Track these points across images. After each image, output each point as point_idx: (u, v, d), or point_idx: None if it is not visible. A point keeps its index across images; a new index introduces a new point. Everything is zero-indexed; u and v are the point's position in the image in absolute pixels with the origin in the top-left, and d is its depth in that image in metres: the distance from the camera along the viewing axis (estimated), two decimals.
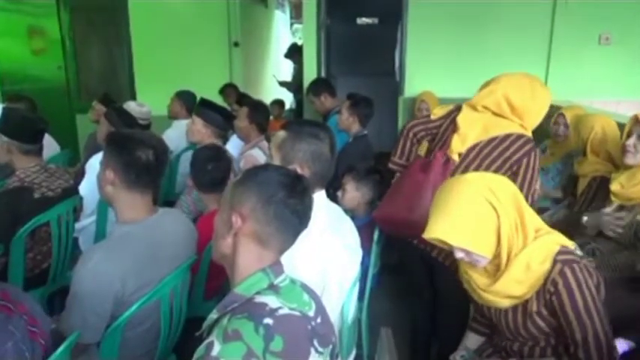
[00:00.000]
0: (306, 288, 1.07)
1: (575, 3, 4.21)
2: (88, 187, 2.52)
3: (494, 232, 1.30)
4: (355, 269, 1.61)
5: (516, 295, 1.33)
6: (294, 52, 5.89)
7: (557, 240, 1.33)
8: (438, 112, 2.07)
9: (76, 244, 2.52)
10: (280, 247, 1.05)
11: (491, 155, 1.86)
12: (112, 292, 1.41)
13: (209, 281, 2.04)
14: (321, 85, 3.80)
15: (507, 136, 1.86)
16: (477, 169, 1.84)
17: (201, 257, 1.87)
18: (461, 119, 1.90)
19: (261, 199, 1.00)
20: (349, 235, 1.63)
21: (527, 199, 1.72)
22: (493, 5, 4.30)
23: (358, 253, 1.64)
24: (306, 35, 4.53)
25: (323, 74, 4.54)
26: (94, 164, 2.61)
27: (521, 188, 1.81)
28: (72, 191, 2.34)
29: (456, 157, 1.87)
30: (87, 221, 2.61)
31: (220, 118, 2.72)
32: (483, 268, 1.36)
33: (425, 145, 2.10)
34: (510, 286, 1.32)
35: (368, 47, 4.68)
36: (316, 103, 3.76)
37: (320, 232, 1.43)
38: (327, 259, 1.46)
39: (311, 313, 1.02)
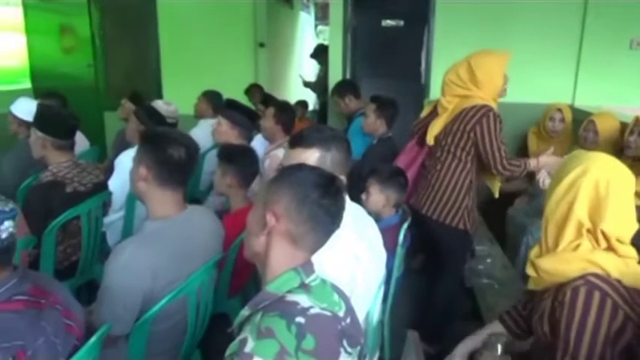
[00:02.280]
0: (336, 288, 1.08)
1: (607, 7, 4.12)
2: (116, 183, 2.57)
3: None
4: (381, 272, 1.61)
5: (543, 278, 1.33)
6: (320, 53, 5.90)
7: (613, 265, 1.25)
8: (426, 110, 2.51)
9: (104, 238, 2.58)
10: (312, 247, 1.05)
11: (452, 130, 2.19)
12: (142, 286, 1.43)
13: (233, 279, 2.07)
14: (346, 87, 3.80)
15: (464, 110, 2.16)
16: (446, 144, 2.22)
17: (227, 255, 1.89)
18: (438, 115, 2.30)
19: (295, 198, 1.01)
20: (374, 237, 1.63)
21: (492, 165, 2.16)
22: (522, 8, 4.23)
23: (383, 255, 1.64)
24: (333, 36, 4.54)
25: (348, 76, 4.55)
26: (123, 161, 2.67)
27: (485, 154, 2.15)
28: (102, 186, 2.39)
29: (430, 141, 2.29)
30: (115, 216, 2.66)
31: (246, 119, 2.75)
32: (545, 239, 1.36)
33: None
34: (546, 264, 1.32)
35: (393, 49, 4.66)
36: (341, 105, 3.76)
37: (346, 234, 1.43)
38: (353, 261, 1.46)
39: (341, 314, 1.02)
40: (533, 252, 1.40)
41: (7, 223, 1.08)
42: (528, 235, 2.89)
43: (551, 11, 4.21)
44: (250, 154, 2.32)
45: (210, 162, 3.13)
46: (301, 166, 1.10)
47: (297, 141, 1.46)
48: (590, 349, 1.20)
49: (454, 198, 2.26)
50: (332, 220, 1.04)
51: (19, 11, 5.49)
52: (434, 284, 2.47)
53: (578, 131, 3.19)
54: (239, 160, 2.21)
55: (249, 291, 2.39)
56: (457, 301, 2.56)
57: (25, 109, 2.89)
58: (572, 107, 3.73)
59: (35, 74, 5.63)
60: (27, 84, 5.59)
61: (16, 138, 2.99)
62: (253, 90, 4.65)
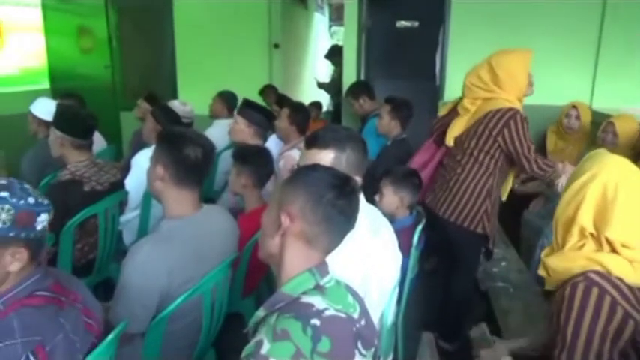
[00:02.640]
0: (350, 289, 1.08)
1: (625, 7, 4.05)
2: (133, 183, 2.60)
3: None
4: (395, 273, 1.60)
5: (553, 278, 1.35)
6: (335, 54, 5.90)
7: (615, 264, 1.26)
8: (445, 108, 2.47)
9: (120, 237, 2.61)
10: (327, 248, 1.05)
11: (476, 134, 2.16)
12: (158, 285, 1.45)
13: (247, 279, 2.08)
14: (360, 88, 3.79)
15: (489, 113, 2.12)
16: (468, 147, 2.19)
17: (241, 255, 1.90)
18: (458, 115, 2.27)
19: (310, 199, 1.01)
20: (388, 238, 1.62)
21: (528, 167, 2.14)
22: (539, 8, 4.18)
23: (398, 257, 1.63)
24: (347, 37, 4.53)
25: (362, 77, 4.54)
26: (139, 160, 2.70)
27: (517, 157, 2.13)
28: (119, 186, 2.42)
29: (450, 142, 2.26)
30: (131, 215, 2.69)
31: (262, 118, 2.77)
32: (555, 239, 1.39)
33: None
34: (553, 262, 1.35)
35: (407, 50, 4.65)
36: (355, 106, 3.76)
37: (360, 235, 1.43)
38: (367, 262, 1.46)
39: (356, 315, 1.02)
40: (545, 252, 1.45)
41: (44, 216, 1.10)
42: (543, 238, 2.86)
43: (569, 12, 4.16)
44: (265, 154, 2.33)
45: (225, 162, 3.16)
46: (316, 167, 1.10)
47: (313, 141, 1.46)
48: (587, 345, 1.21)
49: (473, 201, 2.23)
50: (347, 220, 1.04)
51: (38, 12, 5.58)
52: (448, 285, 2.47)
53: (596, 133, 3.15)
54: (254, 160, 2.22)
55: (263, 291, 2.41)
56: (472, 300, 2.57)
57: (45, 109, 2.94)
58: (589, 109, 3.68)
59: (54, 74, 5.72)
60: (45, 84, 5.68)
61: (35, 137, 3.04)
62: (268, 91, 4.67)
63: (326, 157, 1.42)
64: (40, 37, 5.63)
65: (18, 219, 1.06)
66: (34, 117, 3.00)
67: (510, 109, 2.11)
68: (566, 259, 1.32)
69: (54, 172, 2.45)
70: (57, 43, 5.69)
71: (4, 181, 1.10)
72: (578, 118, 3.46)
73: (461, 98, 2.33)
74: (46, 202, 1.12)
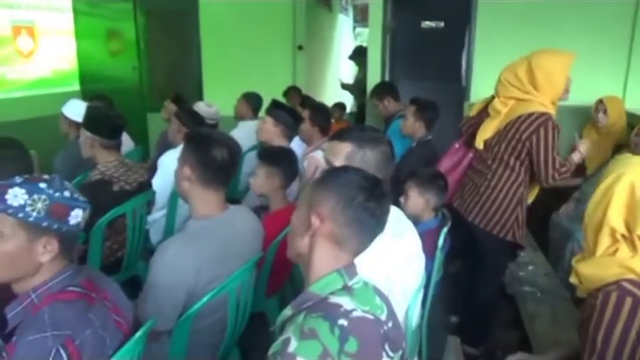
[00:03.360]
0: (377, 291, 1.07)
1: None
2: (159, 183, 2.65)
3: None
4: (419, 275, 1.59)
5: (584, 285, 1.33)
6: (359, 54, 5.88)
7: None
8: (475, 108, 2.42)
9: (147, 236, 2.66)
10: (356, 250, 1.05)
11: (506, 137, 2.10)
12: (185, 283, 1.47)
13: (271, 279, 2.09)
14: (384, 89, 3.78)
15: (520, 116, 2.06)
16: (499, 151, 2.14)
17: (266, 255, 1.91)
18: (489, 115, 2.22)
19: (341, 200, 1.01)
20: (412, 240, 1.61)
21: (543, 177, 2.08)
22: (568, 6, 4.08)
23: (421, 259, 1.62)
24: (372, 38, 4.52)
25: (387, 78, 4.52)
26: (165, 161, 2.74)
27: (537, 165, 2.06)
28: (146, 185, 2.47)
29: (480, 145, 2.20)
30: (158, 214, 2.74)
31: (290, 119, 2.80)
32: (586, 245, 1.36)
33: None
34: (585, 269, 1.32)
35: (432, 51, 4.61)
36: (379, 107, 3.74)
37: (384, 236, 1.42)
38: (391, 264, 1.45)
39: (383, 317, 1.02)
40: (576, 258, 1.42)
41: (78, 212, 1.13)
42: (573, 242, 2.80)
43: (600, 11, 4.05)
44: (290, 155, 2.34)
45: (250, 163, 3.18)
46: (347, 168, 1.11)
47: (336, 134, 1.52)
48: (617, 354, 1.20)
49: (504, 209, 2.18)
50: (377, 223, 1.04)
51: (69, 17, 5.74)
52: (473, 288, 2.44)
53: (629, 135, 3.08)
54: (280, 161, 2.24)
55: (286, 291, 2.42)
56: (498, 304, 2.55)
57: (76, 110, 3.01)
58: (620, 104, 3.60)
59: (84, 76, 5.87)
60: (76, 86, 5.84)
61: (67, 138, 3.12)
62: (292, 92, 4.69)
63: (342, 149, 1.45)
64: (71, 40, 5.79)
65: (52, 210, 1.08)
66: (66, 118, 3.08)
67: (543, 114, 2.05)
68: (599, 266, 1.29)
69: (85, 172, 2.51)
70: (87, 46, 5.84)
71: (46, 176, 1.14)
72: (605, 112, 3.43)
73: (492, 98, 2.27)
74: (82, 199, 1.15)
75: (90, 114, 2.43)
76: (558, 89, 2.11)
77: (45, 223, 1.09)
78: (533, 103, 2.08)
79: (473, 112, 2.44)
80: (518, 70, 2.12)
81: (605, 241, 1.29)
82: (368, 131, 1.51)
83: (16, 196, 1.08)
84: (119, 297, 1.28)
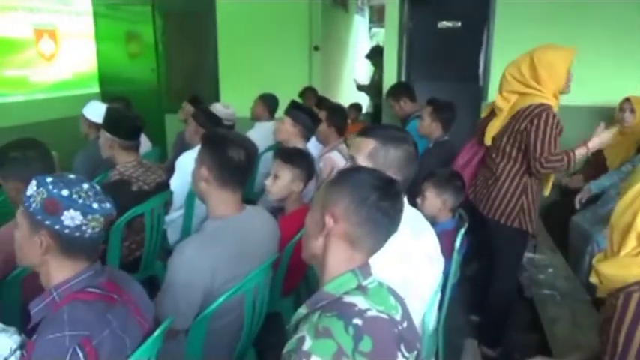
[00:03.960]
0: (392, 291, 1.07)
1: None
2: (177, 183, 2.68)
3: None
4: (437, 277, 1.58)
5: (605, 285, 1.31)
6: (375, 54, 5.86)
7: None
8: (488, 109, 2.49)
9: (164, 236, 2.68)
10: (370, 250, 1.05)
11: (507, 131, 2.19)
12: (202, 283, 1.48)
13: (286, 279, 2.09)
14: (401, 90, 3.76)
15: (520, 109, 2.14)
16: (501, 144, 2.22)
17: (281, 255, 1.92)
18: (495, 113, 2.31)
19: (354, 200, 1.01)
20: (430, 241, 1.60)
21: (533, 159, 2.09)
22: (588, 6, 4.01)
23: (440, 261, 1.61)
24: (388, 38, 4.50)
25: (403, 78, 4.50)
26: (183, 162, 2.77)
27: (528, 148, 2.09)
28: (164, 186, 2.49)
29: (488, 142, 2.30)
30: (175, 215, 2.76)
31: (308, 120, 2.80)
32: (610, 246, 1.34)
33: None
34: (606, 269, 1.30)
35: (449, 51, 4.56)
36: (395, 108, 3.72)
37: (401, 237, 1.42)
38: (407, 265, 1.44)
39: (398, 317, 1.02)
40: (597, 257, 1.40)
41: (73, 213, 1.11)
42: (593, 244, 2.75)
43: (620, 8, 3.97)
44: (306, 156, 2.34)
45: (266, 164, 3.20)
46: (360, 169, 1.11)
47: (361, 131, 1.54)
48: (639, 357, 1.17)
49: (508, 198, 2.26)
50: (390, 222, 1.04)
51: (90, 20, 5.84)
52: (490, 287, 2.45)
53: None
54: (296, 162, 2.23)
55: (301, 292, 2.42)
56: (515, 305, 2.56)
57: (96, 111, 3.06)
58: None
59: (103, 78, 5.97)
60: (96, 88, 5.94)
61: (87, 139, 3.17)
62: (308, 93, 4.69)
63: (366, 145, 1.47)
64: (91, 43, 5.89)
65: (45, 204, 1.10)
66: (86, 119, 3.13)
67: (541, 104, 2.11)
68: (621, 265, 1.27)
69: (104, 172, 2.55)
70: (107, 49, 5.93)
71: (72, 175, 1.16)
72: (632, 111, 3.34)
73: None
74: (89, 203, 1.12)
75: (109, 115, 2.47)
76: (560, 83, 2.16)
77: (39, 217, 1.11)
78: (535, 97, 2.14)
79: (484, 114, 2.54)
80: (521, 65, 2.19)
81: (631, 243, 1.27)
82: (393, 130, 1.53)
83: (31, 186, 1.13)
84: (141, 298, 1.30)
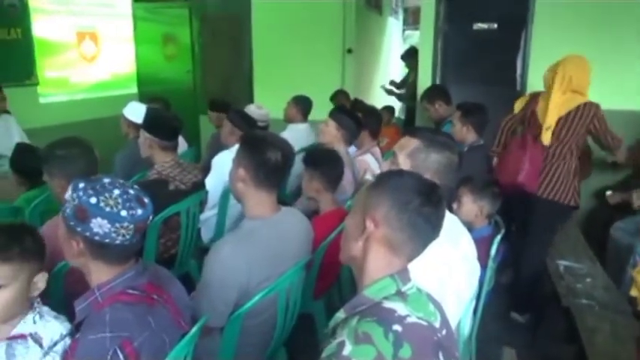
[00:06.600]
0: (431, 298, 1.06)
1: None
2: (212, 182, 2.72)
3: None
4: (474, 284, 1.55)
5: None
6: (410, 56, 5.80)
7: None
8: (518, 106, 2.89)
9: (198, 234, 2.73)
10: (410, 255, 1.04)
11: (573, 124, 2.59)
12: (238, 282, 1.50)
13: (318, 281, 2.10)
14: (436, 92, 3.71)
15: (578, 107, 2.58)
16: (566, 136, 2.61)
17: (314, 257, 1.92)
18: (540, 107, 2.68)
19: (396, 205, 1.00)
20: (468, 248, 1.58)
21: (609, 147, 2.70)
22: (630, 7, 3.86)
23: (477, 267, 1.58)
24: (423, 41, 4.45)
25: (438, 81, 4.44)
26: (218, 161, 2.82)
27: (604, 139, 2.65)
28: (200, 185, 2.53)
29: (543, 137, 2.61)
30: (209, 213, 2.81)
31: (353, 124, 2.79)
32: None
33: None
34: None
35: (485, 54, 4.47)
36: (430, 111, 3.67)
37: (439, 243, 1.40)
38: (444, 271, 1.43)
39: (437, 324, 1.00)
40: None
41: (101, 221, 1.11)
42: (635, 256, 2.65)
43: None
44: (334, 157, 2.34)
45: (298, 165, 3.21)
46: (402, 172, 1.10)
47: (409, 130, 1.57)
48: None
49: (571, 180, 2.69)
50: (432, 228, 1.02)
51: (129, 23, 6.01)
52: (523, 263, 2.82)
53: None
54: (322, 164, 2.25)
55: (333, 293, 2.42)
56: (544, 270, 2.86)
57: (135, 112, 3.14)
58: None
59: (141, 79, 6.13)
60: (133, 89, 6.11)
61: (126, 138, 3.26)
62: (340, 96, 4.67)
63: (410, 144, 1.49)
64: (130, 45, 6.06)
65: (76, 211, 1.12)
66: (126, 119, 3.21)
67: (592, 102, 2.61)
68: None
69: (142, 171, 2.62)
70: (145, 51, 6.10)
71: (107, 178, 1.18)
72: None
73: (532, 96, 2.80)
74: (117, 211, 1.12)
75: (150, 116, 2.52)
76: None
77: (72, 222, 1.13)
78: (578, 97, 2.61)
79: (518, 109, 2.88)
80: (578, 71, 2.62)
81: None
82: (440, 135, 1.52)
83: (69, 190, 1.15)
84: (180, 297, 1.31)
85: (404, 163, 1.45)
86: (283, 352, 1.94)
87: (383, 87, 6.23)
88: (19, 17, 4.72)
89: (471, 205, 2.14)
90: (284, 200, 3.18)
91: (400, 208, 1.00)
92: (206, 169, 2.89)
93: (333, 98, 4.61)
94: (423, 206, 1.00)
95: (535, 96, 2.80)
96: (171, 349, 1.20)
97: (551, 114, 2.61)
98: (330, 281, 2.26)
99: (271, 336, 1.71)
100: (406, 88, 5.96)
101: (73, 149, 1.87)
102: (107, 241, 1.13)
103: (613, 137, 2.66)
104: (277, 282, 1.57)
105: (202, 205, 2.73)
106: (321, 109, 4.26)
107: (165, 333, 1.19)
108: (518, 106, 2.87)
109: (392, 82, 6.25)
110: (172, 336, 1.22)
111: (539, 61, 4.05)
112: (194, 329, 1.29)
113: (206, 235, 2.84)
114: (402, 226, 1.00)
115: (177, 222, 2.39)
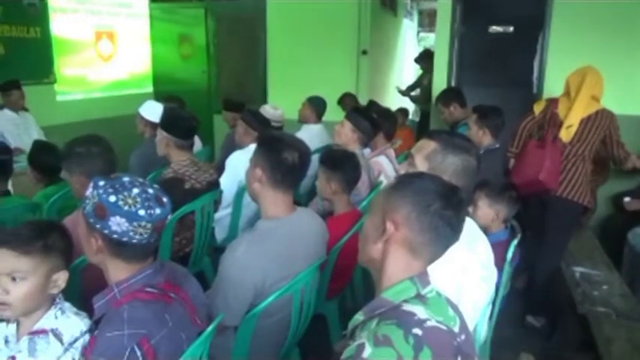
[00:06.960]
0: (450, 302, 1.05)
1: None
2: (226, 181, 2.73)
3: None
4: (490, 288, 1.54)
5: None
6: (425, 58, 5.77)
7: None
8: (538, 109, 2.93)
9: (212, 233, 2.74)
10: (430, 258, 1.03)
11: (594, 127, 2.69)
12: (253, 281, 1.50)
13: (332, 282, 2.09)
14: (451, 95, 3.69)
15: (597, 112, 2.69)
16: (587, 137, 2.69)
17: (328, 258, 1.92)
18: (561, 108, 2.77)
19: (416, 207, 1.00)
20: (484, 252, 1.56)
21: (617, 158, 2.77)
22: None
23: (494, 272, 1.57)
24: (438, 43, 4.43)
25: (453, 83, 4.42)
26: (233, 161, 2.83)
27: (615, 148, 2.74)
28: (214, 184, 2.55)
29: (564, 134, 2.71)
30: (223, 212, 2.82)
31: (369, 126, 2.76)
32: None
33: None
34: None
35: (500, 56, 4.44)
36: (445, 113, 3.66)
37: (456, 246, 1.39)
38: (462, 275, 1.41)
39: (456, 329, 0.99)
40: None
41: (120, 219, 1.11)
42: None
43: None
44: (353, 160, 2.33)
45: (312, 166, 3.20)
46: (423, 175, 1.09)
47: (428, 132, 1.57)
48: None
49: (587, 182, 2.77)
50: (453, 231, 1.01)
51: (146, 22, 6.07)
52: (538, 266, 2.84)
53: None
54: (341, 166, 2.24)
55: (346, 295, 2.42)
56: (558, 274, 2.90)
57: (152, 111, 3.17)
58: None
59: (157, 79, 6.18)
60: (149, 88, 6.15)
61: (142, 137, 3.28)
62: (347, 99, 4.63)
63: (427, 146, 1.47)
64: (146, 44, 6.11)
65: (96, 208, 1.13)
66: (142, 118, 3.23)
67: (607, 110, 2.72)
68: None
69: (158, 170, 2.63)
70: (161, 50, 6.14)
71: (127, 177, 1.18)
72: None
73: (550, 101, 2.86)
74: (135, 210, 1.12)
75: (167, 115, 2.54)
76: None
77: (91, 220, 1.14)
78: (596, 103, 2.73)
79: (539, 111, 2.92)
80: (598, 80, 2.74)
81: None
82: (459, 138, 1.50)
83: (90, 187, 1.17)
84: (197, 295, 1.32)
85: (421, 165, 1.44)
86: (296, 353, 1.94)
87: (398, 88, 6.20)
88: (39, 16, 4.78)
89: (487, 209, 2.11)
90: (298, 201, 3.20)
91: (421, 210, 0.99)
92: (220, 169, 2.90)
93: (340, 102, 4.58)
94: (444, 209, 0.99)
95: (554, 100, 2.85)
96: (187, 346, 1.20)
97: (575, 113, 2.67)
98: (344, 282, 2.26)
99: (285, 336, 1.71)
100: (420, 90, 5.93)
101: (92, 147, 1.89)
102: (125, 239, 1.13)
103: (622, 148, 2.75)
104: (292, 282, 1.57)
105: (217, 204, 2.74)
106: (335, 110, 4.27)
107: (182, 331, 1.20)
108: (537, 108, 2.94)
109: (404, 93, 6.23)
110: (189, 334, 1.23)
111: (556, 64, 4.02)
112: (210, 327, 1.30)
113: (220, 234, 2.85)
114: (422, 228, 0.99)
115: (192, 220, 2.40)
